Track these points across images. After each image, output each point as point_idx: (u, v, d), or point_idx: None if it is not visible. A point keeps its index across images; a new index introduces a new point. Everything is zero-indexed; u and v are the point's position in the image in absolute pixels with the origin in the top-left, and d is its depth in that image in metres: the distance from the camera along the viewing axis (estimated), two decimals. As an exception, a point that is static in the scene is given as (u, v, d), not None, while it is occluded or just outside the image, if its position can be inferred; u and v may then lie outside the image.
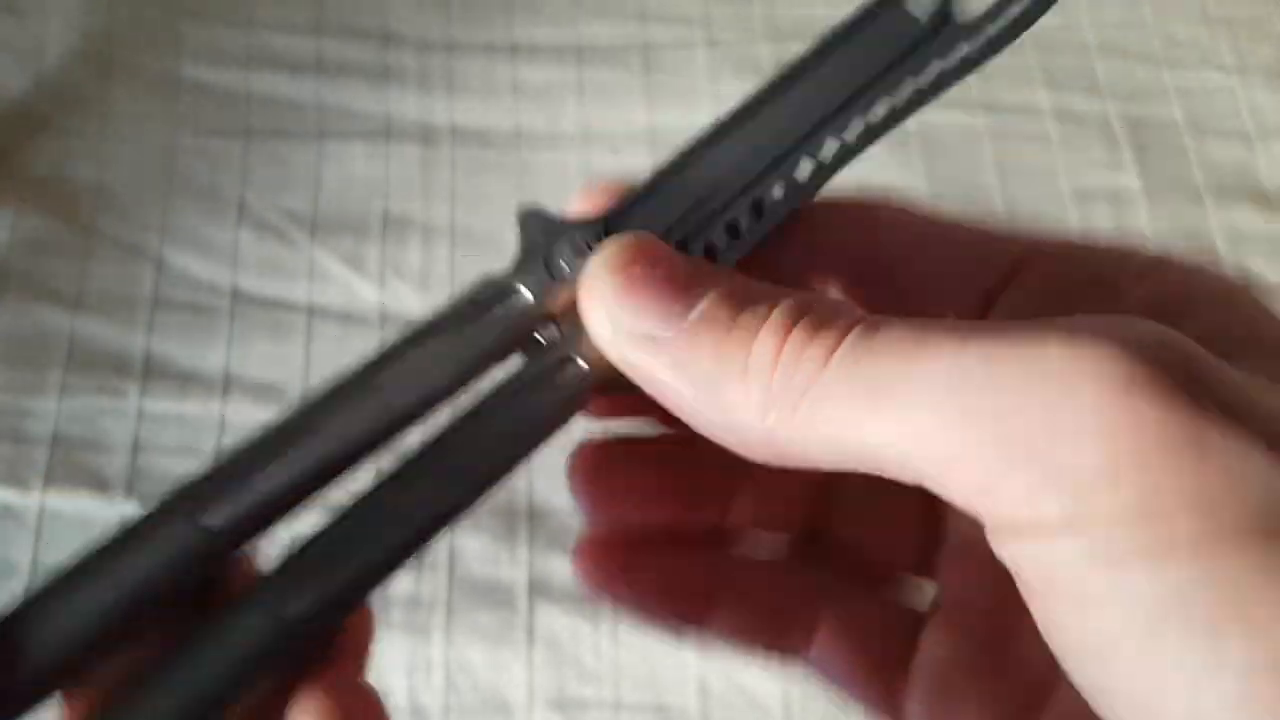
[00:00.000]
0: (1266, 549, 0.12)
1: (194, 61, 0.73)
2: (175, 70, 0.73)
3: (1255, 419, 0.13)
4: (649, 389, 0.16)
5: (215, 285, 0.66)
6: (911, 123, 0.81)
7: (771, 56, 0.74)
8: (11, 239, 0.66)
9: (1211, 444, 0.12)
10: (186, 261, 0.66)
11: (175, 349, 0.63)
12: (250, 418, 0.61)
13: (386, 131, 0.71)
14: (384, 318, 0.65)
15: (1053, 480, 0.13)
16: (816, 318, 0.15)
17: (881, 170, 0.70)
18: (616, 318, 0.16)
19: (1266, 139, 0.72)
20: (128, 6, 0.75)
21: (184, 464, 0.59)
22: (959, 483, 0.13)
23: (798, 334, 0.14)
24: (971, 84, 0.80)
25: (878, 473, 0.14)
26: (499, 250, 0.72)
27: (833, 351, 0.14)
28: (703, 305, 0.15)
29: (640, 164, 0.70)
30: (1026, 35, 0.79)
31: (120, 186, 0.69)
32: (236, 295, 0.65)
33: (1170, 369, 0.13)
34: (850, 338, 0.14)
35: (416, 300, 0.65)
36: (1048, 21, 0.81)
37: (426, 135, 0.71)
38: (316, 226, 0.68)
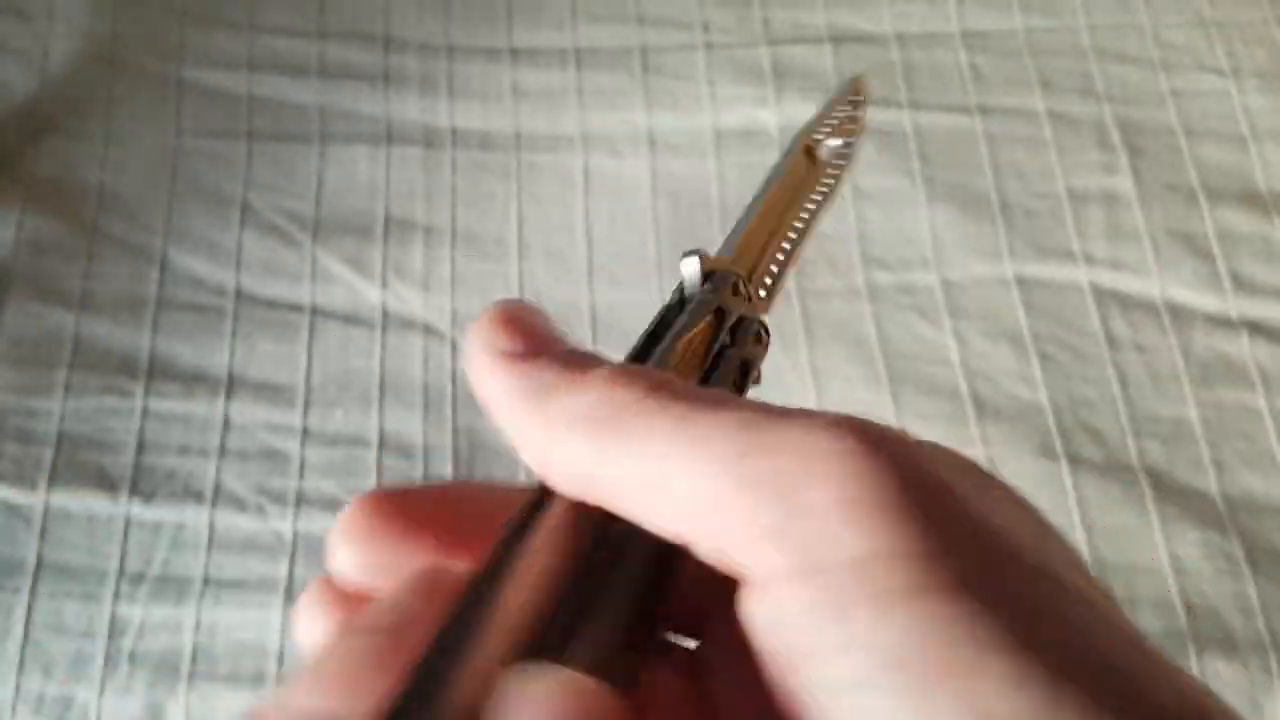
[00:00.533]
0: (977, 597, 0.13)
1: (197, 65, 0.74)
2: (179, 74, 0.74)
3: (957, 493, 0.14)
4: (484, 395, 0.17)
5: (219, 286, 0.66)
6: (908, 125, 0.81)
7: (769, 60, 0.74)
8: (17, 240, 0.67)
9: (931, 505, 0.14)
10: (190, 263, 0.67)
11: (179, 349, 0.64)
12: (254, 417, 0.62)
13: (388, 134, 0.72)
14: (386, 318, 0.65)
15: (783, 529, 0.13)
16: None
17: (879, 173, 0.71)
18: (489, 339, 0.17)
19: (1260, 142, 0.72)
20: (132, 11, 0.75)
21: (188, 463, 0.60)
22: (700, 532, 0.14)
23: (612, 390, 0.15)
24: (967, 87, 0.81)
25: (629, 516, 0.15)
26: (500, 251, 0.73)
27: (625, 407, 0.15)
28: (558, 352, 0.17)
29: (640, 166, 0.71)
30: (1022, 38, 0.80)
31: (125, 188, 0.69)
32: (240, 296, 0.66)
33: (894, 444, 0.14)
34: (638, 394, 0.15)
35: (418, 300, 0.66)
36: (1043, 25, 0.83)
37: (428, 138, 0.72)
38: (319, 228, 0.68)
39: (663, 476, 0.14)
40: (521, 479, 0.61)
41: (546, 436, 0.16)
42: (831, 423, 0.14)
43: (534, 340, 0.17)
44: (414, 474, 0.60)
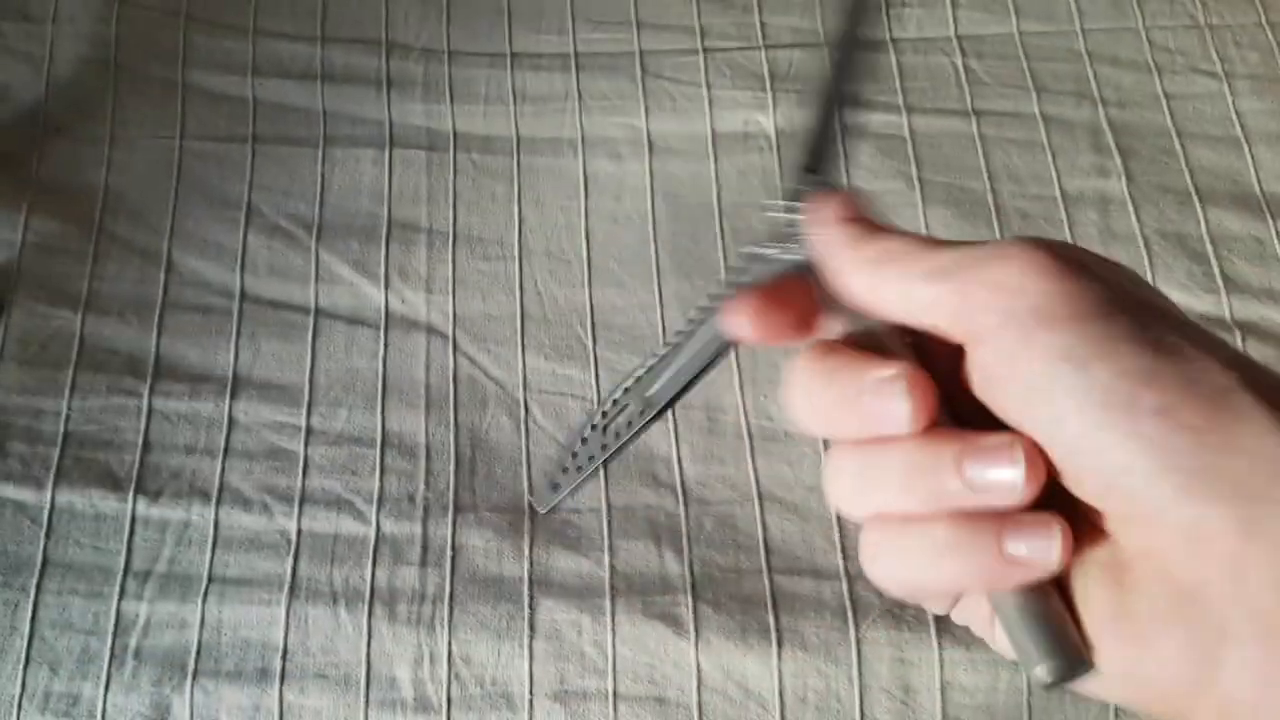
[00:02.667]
0: (1132, 317, 0.20)
1: (201, 69, 0.75)
2: (183, 77, 0.74)
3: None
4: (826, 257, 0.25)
5: (224, 287, 0.67)
6: (904, 127, 0.82)
7: (766, 64, 0.75)
8: (24, 242, 0.67)
9: (1090, 272, 0.21)
10: (196, 264, 0.68)
11: (185, 350, 0.65)
12: (258, 416, 0.62)
13: (391, 138, 0.73)
14: (389, 319, 0.66)
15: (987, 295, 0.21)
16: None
17: (874, 176, 0.71)
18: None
19: (1254, 144, 0.73)
20: (137, 15, 0.76)
21: (194, 462, 0.61)
22: (945, 317, 0.22)
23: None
24: (963, 90, 0.82)
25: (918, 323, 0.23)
26: (501, 252, 0.74)
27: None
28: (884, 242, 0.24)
29: (639, 169, 0.71)
30: (1017, 42, 0.81)
31: (130, 191, 0.70)
32: (245, 297, 0.67)
33: (1063, 246, 0.22)
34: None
35: (421, 302, 0.67)
36: (1037, 29, 0.84)
37: (430, 141, 0.73)
38: (323, 230, 0.69)
39: (911, 290, 0.23)
40: (523, 479, 0.61)
41: (852, 270, 0.24)
42: (1006, 243, 0.22)
43: (857, 214, 0.25)
44: (417, 473, 0.61)
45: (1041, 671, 0.21)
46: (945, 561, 0.21)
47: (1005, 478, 0.21)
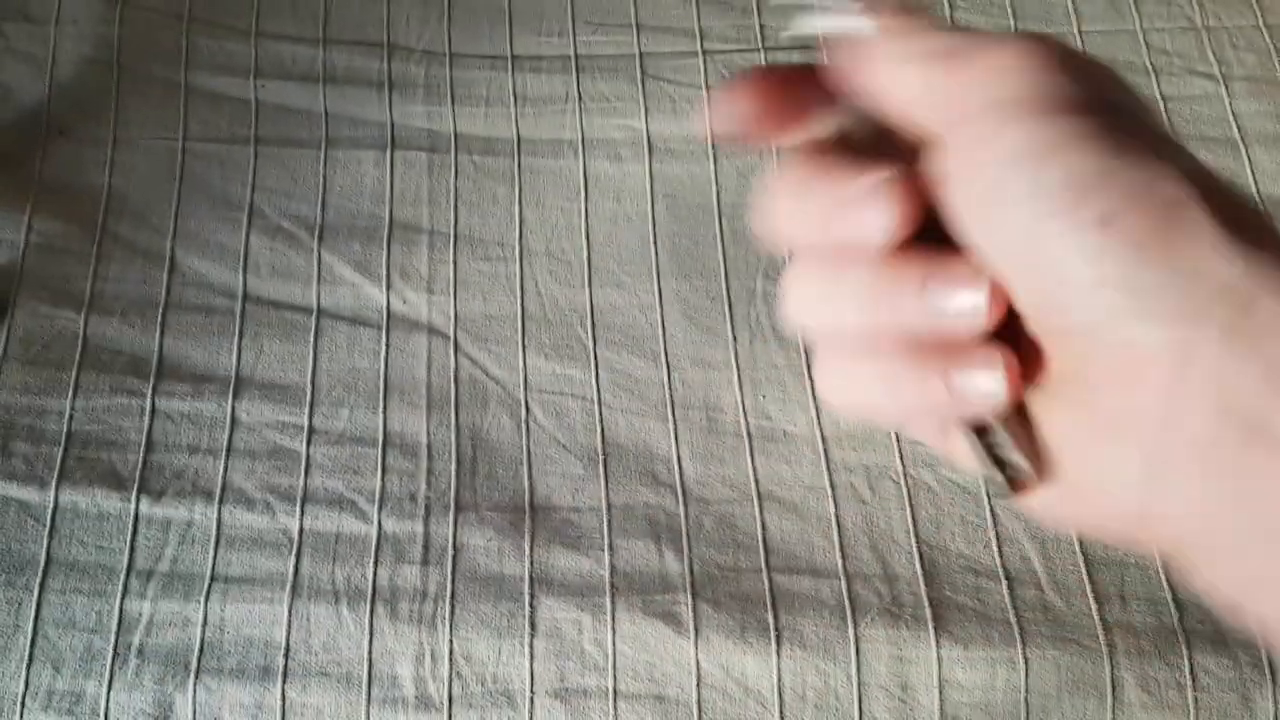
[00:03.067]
0: (1103, 118, 0.19)
1: (204, 71, 0.75)
2: (186, 79, 0.75)
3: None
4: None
5: (227, 288, 0.67)
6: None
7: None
8: (27, 242, 0.68)
9: (1082, 71, 0.20)
10: (198, 265, 0.68)
11: (188, 350, 0.65)
12: (261, 416, 0.63)
13: (392, 139, 0.73)
14: (391, 319, 0.67)
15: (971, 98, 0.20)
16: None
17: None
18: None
19: (1251, 146, 0.73)
20: (140, 17, 0.77)
21: (197, 461, 0.61)
22: (930, 104, 0.21)
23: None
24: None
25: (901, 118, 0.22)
26: (502, 253, 0.74)
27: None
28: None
29: (639, 170, 0.72)
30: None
31: (132, 192, 0.70)
32: (247, 298, 0.67)
33: (1066, 46, 0.20)
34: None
35: (422, 302, 0.67)
36: (1036, 30, 0.84)
37: (431, 143, 0.73)
38: (325, 232, 0.69)
39: (907, 71, 0.22)
40: (523, 478, 0.62)
41: (867, 51, 0.23)
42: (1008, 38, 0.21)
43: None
44: (418, 472, 0.61)
45: (990, 487, 0.22)
46: (898, 392, 0.21)
47: (967, 303, 0.20)
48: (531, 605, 0.57)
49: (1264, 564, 0.18)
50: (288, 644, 0.56)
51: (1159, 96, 0.75)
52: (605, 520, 0.60)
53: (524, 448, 0.63)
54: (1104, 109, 0.19)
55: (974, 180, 0.20)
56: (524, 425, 0.63)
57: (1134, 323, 0.18)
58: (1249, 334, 0.17)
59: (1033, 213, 0.19)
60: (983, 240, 0.20)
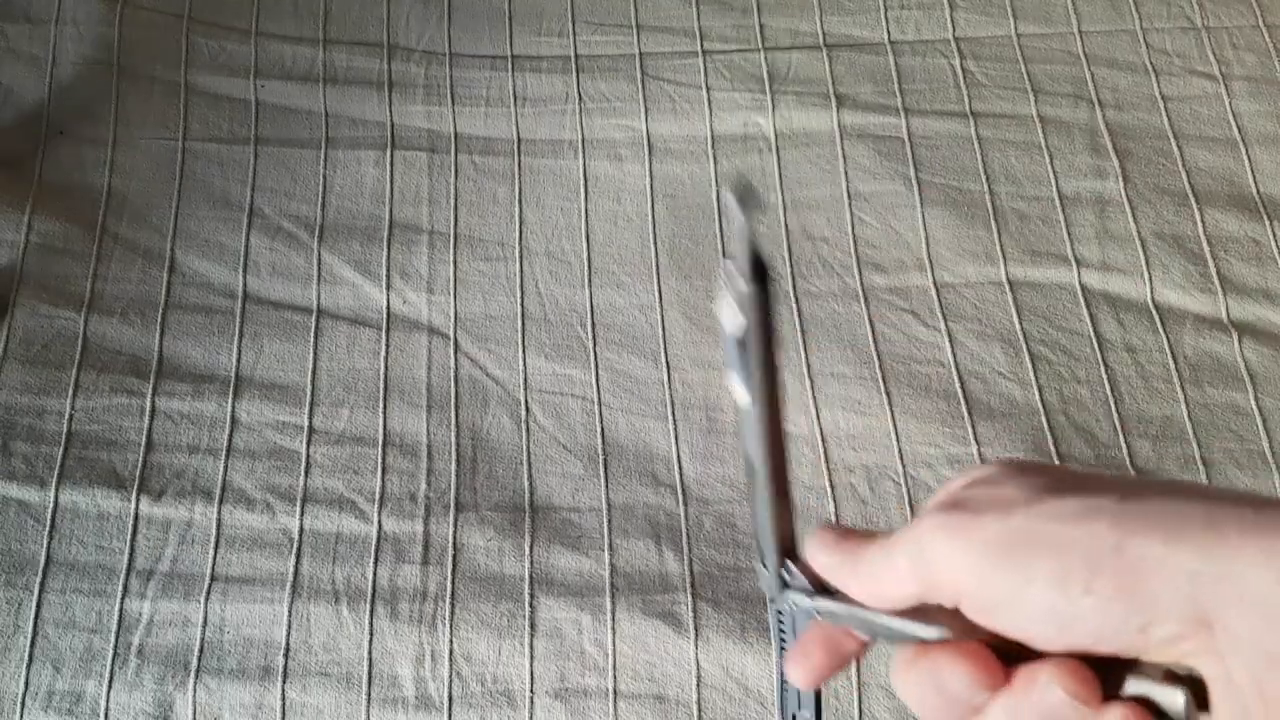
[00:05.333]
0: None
1: (204, 71, 0.75)
2: (186, 79, 0.75)
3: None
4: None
5: (227, 288, 0.67)
6: (902, 129, 0.83)
7: (765, 66, 0.75)
8: (27, 243, 0.68)
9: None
10: (198, 265, 0.68)
11: (188, 350, 0.65)
12: (261, 416, 0.63)
13: (392, 139, 0.73)
14: (391, 319, 0.67)
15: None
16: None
17: (873, 177, 0.72)
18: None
19: (1251, 145, 0.73)
20: (140, 18, 0.77)
21: (197, 461, 0.61)
22: (914, 593, 0.25)
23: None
24: (960, 91, 0.82)
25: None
26: (502, 253, 0.74)
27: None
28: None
29: (639, 170, 0.72)
30: (1015, 44, 0.82)
31: (133, 192, 0.70)
32: (247, 298, 0.67)
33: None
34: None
35: (423, 302, 0.67)
36: (1035, 31, 0.84)
37: (432, 143, 0.73)
38: (325, 232, 0.70)
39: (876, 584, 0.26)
40: (523, 478, 0.62)
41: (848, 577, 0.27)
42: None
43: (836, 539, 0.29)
44: (418, 472, 0.61)
45: None
46: None
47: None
48: (531, 605, 0.57)
49: None
50: (288, 644, 0.56)
51: (1159, 96, 0.75)
52: (605, 520, 0.60)
53: (524, 448, 0.63)
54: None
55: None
56: (524, 425, 0.63)
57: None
58: None
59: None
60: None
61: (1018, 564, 0.22)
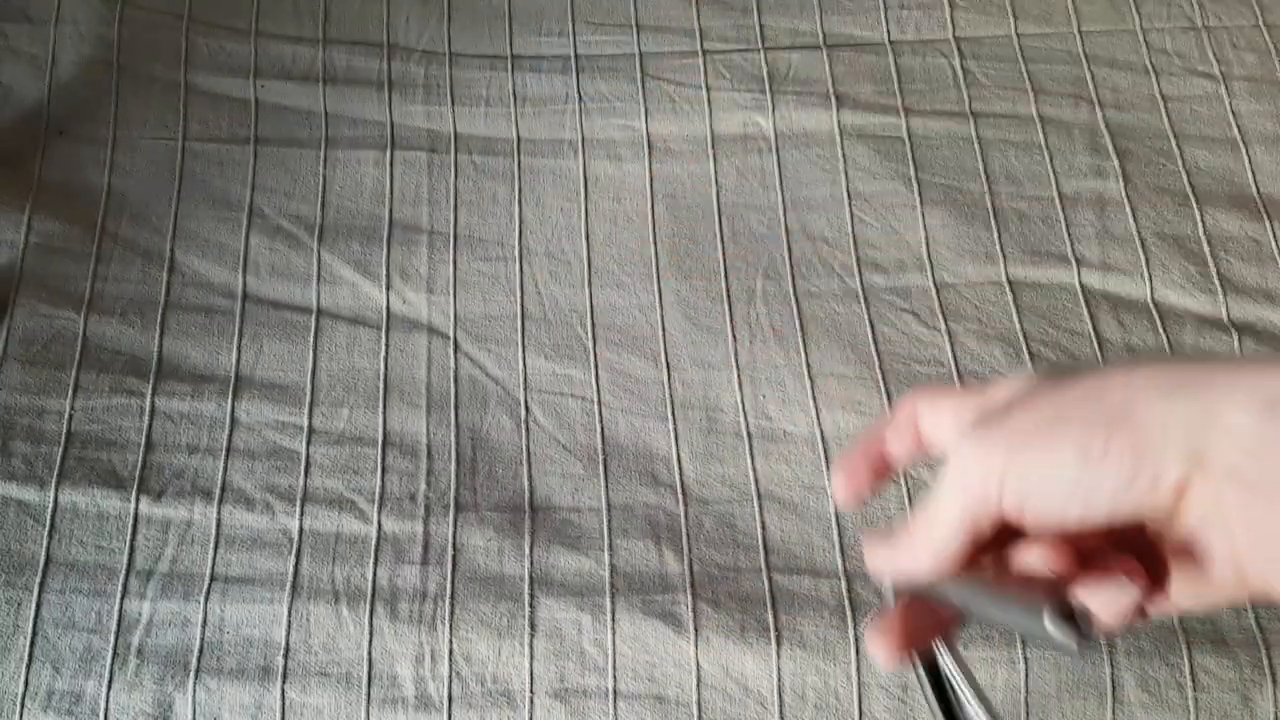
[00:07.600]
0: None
1: (203, 71, 0.75)
2: (185, 79, 0.75)
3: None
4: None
5: (226, 288, 0.67)
6: (902, 129, 0.83)
7: (765, 65, 0.75)
8: (26, 242, 0.68)
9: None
10: (198, 265, 0.68)
11: (187, 350, 0.65)
12: (261, 416, 0.63)
13: (392, 139, 0.73)
14: (390, 319, 0.67)
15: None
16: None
17: (874, 177, 0.72)
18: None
19: (1251, 145, 0.73)
20: (139, 17, 0.77)
21: (196, 461, 0.61)
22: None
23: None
24: (961, 91, 0.82)
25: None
26: (502, 253, 0.74)
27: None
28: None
29: (639, 170, 0.72)
30: (1015, 44, 0.81)
31: (132, 192, 0.70)
32: (247, 298, 0.67)
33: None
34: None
35: (422, 302, 0.67)
36: (1035, 31, 0.84)
37: (431, 143, 0.73)
38: (324, 231, 0.69)
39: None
40: (523, 478, 0.62)
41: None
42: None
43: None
44: (418, 472, 0.61)
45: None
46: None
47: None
48: (531, 605, 0.57)
49: None
50: (287, 644, 0.56)
51: (1159, 96, 0.75)
52: (605, 520, 0.60)
53: (524, 448, 0.63)
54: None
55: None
56: (524, 425, 0.63)
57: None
58: None
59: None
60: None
61: (1047, 445, 0.24)
